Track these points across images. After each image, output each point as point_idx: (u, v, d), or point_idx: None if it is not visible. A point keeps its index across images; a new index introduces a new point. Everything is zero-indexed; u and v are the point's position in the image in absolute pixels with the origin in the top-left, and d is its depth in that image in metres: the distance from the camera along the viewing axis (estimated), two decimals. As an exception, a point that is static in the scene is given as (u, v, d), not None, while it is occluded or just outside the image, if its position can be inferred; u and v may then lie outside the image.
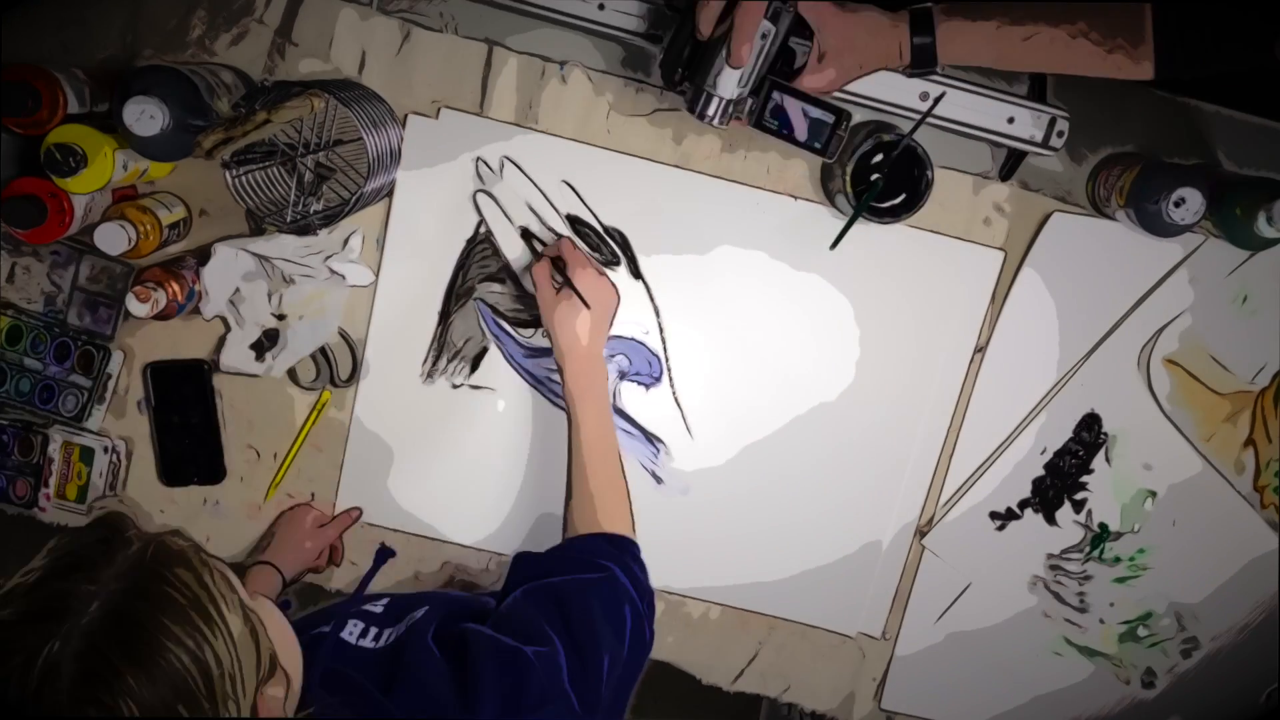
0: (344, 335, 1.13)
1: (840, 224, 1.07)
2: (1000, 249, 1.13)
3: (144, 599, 0.60)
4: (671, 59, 0.99)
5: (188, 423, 1.13)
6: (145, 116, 0.92)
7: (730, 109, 0.98)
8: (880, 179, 1.04)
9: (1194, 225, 1.04)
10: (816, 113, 0.98)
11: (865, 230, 1.12)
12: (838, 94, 1.00)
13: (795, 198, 1.12)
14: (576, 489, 1.00)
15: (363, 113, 0.99)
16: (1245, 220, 1.02)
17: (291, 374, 1.13)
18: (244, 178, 0.99)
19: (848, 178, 1.05)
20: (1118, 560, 1.20)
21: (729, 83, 0.96)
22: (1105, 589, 1.20)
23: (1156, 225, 1.05)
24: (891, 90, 1.05)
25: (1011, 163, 1.11)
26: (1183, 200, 1.02)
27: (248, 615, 0.64)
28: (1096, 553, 1.19)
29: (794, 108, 0.98)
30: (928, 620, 1.20)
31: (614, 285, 1.08)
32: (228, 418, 1.14)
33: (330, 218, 0.99)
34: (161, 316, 1.05)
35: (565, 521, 1.01)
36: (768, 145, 1.11)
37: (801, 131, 0.98)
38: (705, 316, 1.14)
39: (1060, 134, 1.08)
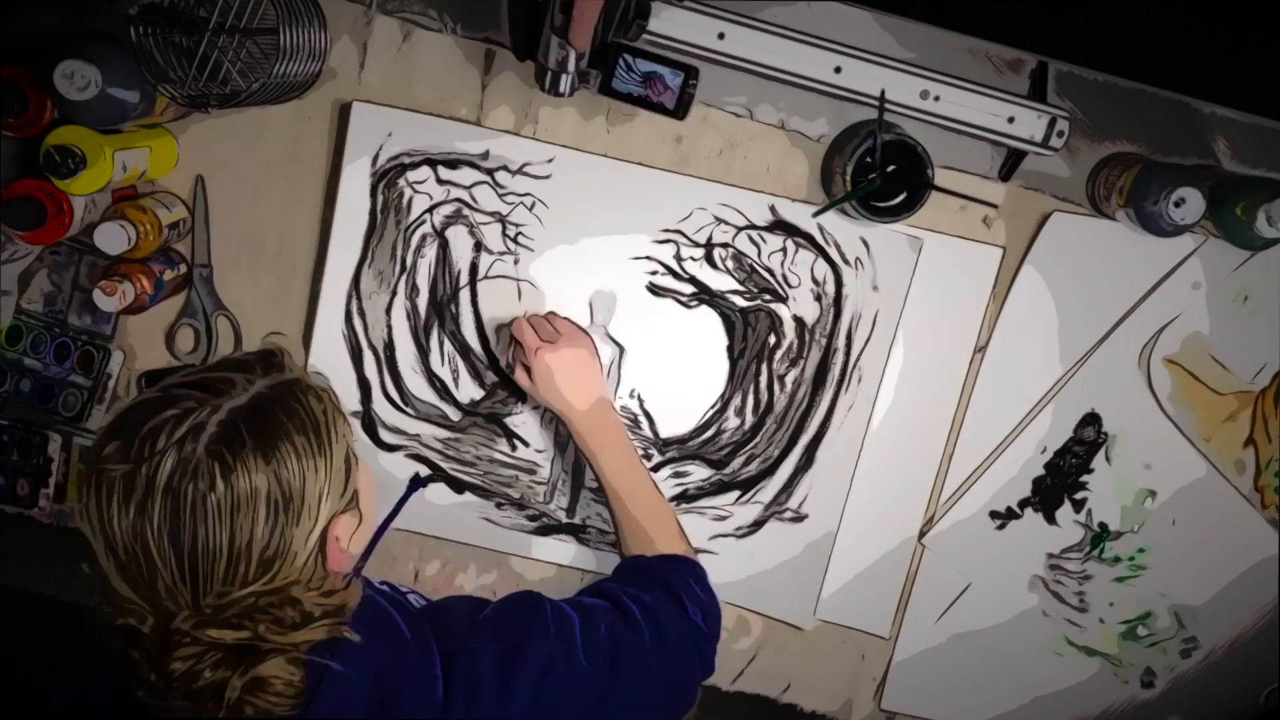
0: (229, 317, 1.12)
1: (842, 219, 1.07)
2: (1000, 248, 1.13)
3: (280, 405, 0.73)
4: (516, 36, 0.99)
5: None
6: (77, 79, 0.92)
7: (576, 81, 0.99)
8: (876, 177, 1.04)
9: (1194, 225, 1.04)
10: (667, 72, 0.98)
11: (866, 230, 1.12)
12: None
13: (793, 199, 1.12)
14: (623, 526, 1.04)
15: (285, 7, 0.96)
16: (1245, 220, 1.02)
17: (169, 339, 1.12)
18: (149, 39, 0.95)
19: (848, 178, 1.05)
20: (1117, 560, 1.20)
21: (570, 57, 0.96)
22: (1105, 589, 1.20)
23: (1156, 225, 1.05)
24: (892, 89, 1.05)
25: (1011, 163, 1.11)
26: (1183, 200, 1.02)
27: (349, 453, 0.77)
28: (1096, 552, 1.19)
29: (642, 71, 0.97)
30: (928, 620, 1.20)
31: (577, 337, 1.07)
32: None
33: (227, 100, 0.96)
34: (132, 310, 1.05)
35: (619, 546, 1.05)
36: (768, 145, 1.11)
37: (655, 93, 0.98)
38: (696, 307, 1.14)
39: (1060, 134, 1.08)
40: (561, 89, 1.00)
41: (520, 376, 1.06)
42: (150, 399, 0.71)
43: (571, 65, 0.97)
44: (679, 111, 1.00)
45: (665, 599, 0.94)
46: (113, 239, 1.00)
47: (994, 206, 1.09)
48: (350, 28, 1.07)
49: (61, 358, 1.10)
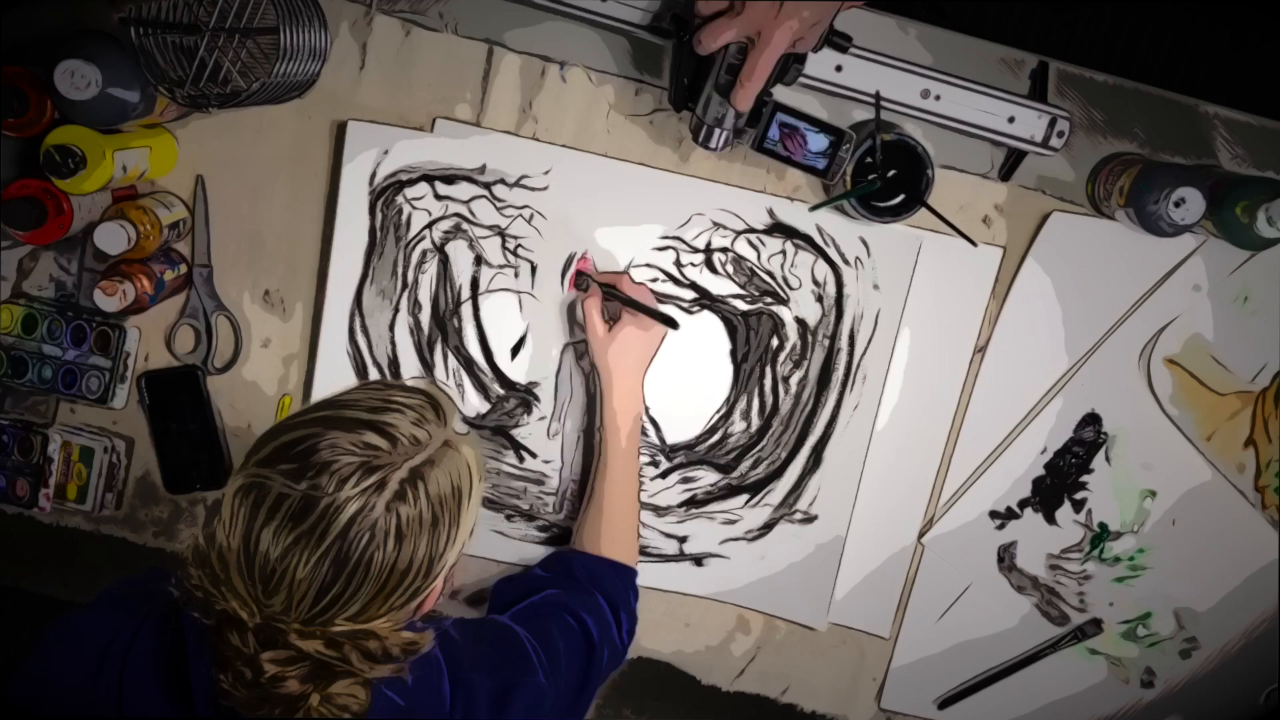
0: (229, 318, 1.12)
1: (841, 219, 1.07)
2: (1000, 248, 1.13)
3: (451, 468, 0.78)
4: (677, 88, 1.01)
5: (186, 429, 1.13)
6: (77, 79, 0.92)
7: (731, 137, 1.01)
8: (876, 178, 1.04)
9: (1194, 225, 1.04)
10: (816, 135, 0.99)
11: (865, 230, 1.12)
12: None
13: (793, 199, 1.12)
14: (594, 508, 1.08)
15: (285, 7, 0.96)
16: (1245, 220, 1.02)
17: (169, 339, 1.12)
18: (150, 39, 0.95)
19: (848, 178, 1.05)
20: (1117, 560, 1.20)
21: (729, 115, 0.98)
22: (1105, 589, 1.20)
23: (1156, 225, 1.05)
24: (892, 89, 1.06)
25: (1011, 163, 1.12)
26: (1183, 200, 1.02)
27: (470, 532, 0.81)
28: (1096, 552, 1.19)
29: (793, 130, 0.98)
30: (928, 621, 1.20)
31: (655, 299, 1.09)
32: (226, 419, 1.14)
33: (227, 100, 0.96)
34: (133, 310, 1.05)
35: (577, 529, 1.10)
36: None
37: (801, 154, 1.00)
38: (697, 312, 1.14)
39: (1060, 134, 1.08)
40: (714, 144, 1.02)
41: (594, 317, 1.06)
42: (330, 429, 0.74)
43: (729, 123, 0.99)
44: (828, 174, 1.01)
45: (610, 624, 1.03)
46: (113, 239, 1.00)
47: (973, 243, 1.09)
48: (350, 28, 1.07)
49: (78, 341, 1.10)
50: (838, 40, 0.99)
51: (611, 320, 1.08)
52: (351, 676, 0.75)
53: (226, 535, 0.73)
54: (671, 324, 1.05)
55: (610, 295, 1.07)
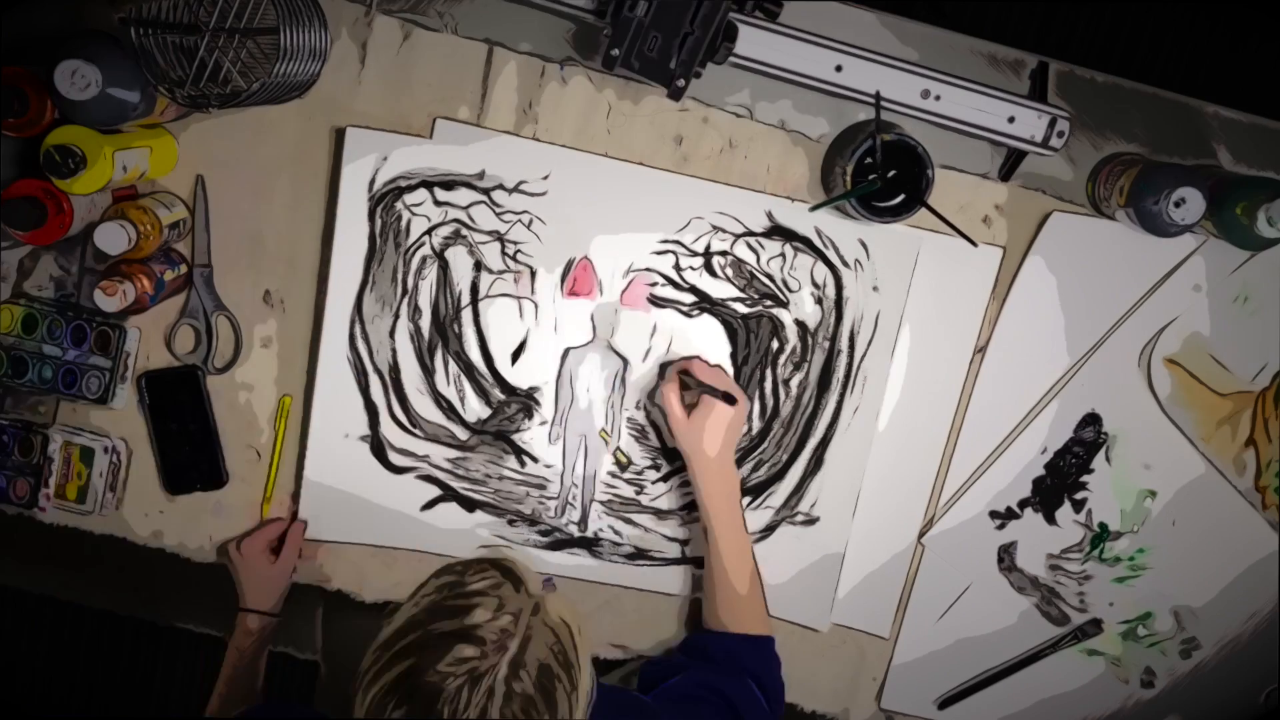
0: (229, 318, 1.12)
1: (840, 221, 1.07)
2: (1000, 248, 1.13)
3: (547, 647, 0.78)
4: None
5: (186, 430, 1.13)
6: (77, 79, 0.92)
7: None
8: (877, 178, 1.04)
9: (1194, 225, 1.04)
10: None
11: (864, 232, 1.12)
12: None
13: (793, 199, 1.12)
14: (715, 587, 1.09)
15: (285, 7, 0.96)
16: (1245, 220, 1.02)
17: (169, 339, 1.12)
18: (150, 39, 0.94)
19: (848, 178, 1.05)
20: (1117, 560, 1.20)
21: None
22: (1105, 589, 1.20)
23: (1156, 225, 1.05)
24: (892, 89, 1.06)
25: (1011, 163, 1.12)
26: (1183, 200, 1.02)
27: (590, 681, 0.82)
28: (1096, 552, 1.19)
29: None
30: (928, 620, 1.20)
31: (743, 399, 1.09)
32: (227, 419, 1.14)
33: (227, 100, 0.96)
34: (133, 310, 1.05)
35: (708, 611, 1.12)
36: (768, 145, 1.11)
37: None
38: (697, 316, 1.14)
39: (1060, 134, 1.08)
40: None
41: (673, 404, 1.07)
42: (426, 655, 0.75)
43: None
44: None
45: (758, 699, 1.04)
46: (113, 239, 1.00)
47: (973, 243, 1.09)
48: (350, 28, 1.07)
49: (79, 341, 1.10)
50: (768, 5, 0.99)
51: (690, 405, 1.08)
52: None
53: None
54: (730, 400, 1.06)
55: (687, 382, 1.08)
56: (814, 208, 1.11)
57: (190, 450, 1.13)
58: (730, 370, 1.14)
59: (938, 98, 1.06)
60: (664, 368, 1.13)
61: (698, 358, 1.11)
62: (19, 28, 1.04)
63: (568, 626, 0.80)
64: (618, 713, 0.93)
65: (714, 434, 1.07)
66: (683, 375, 1.09)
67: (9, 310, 1.10)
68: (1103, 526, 1.19)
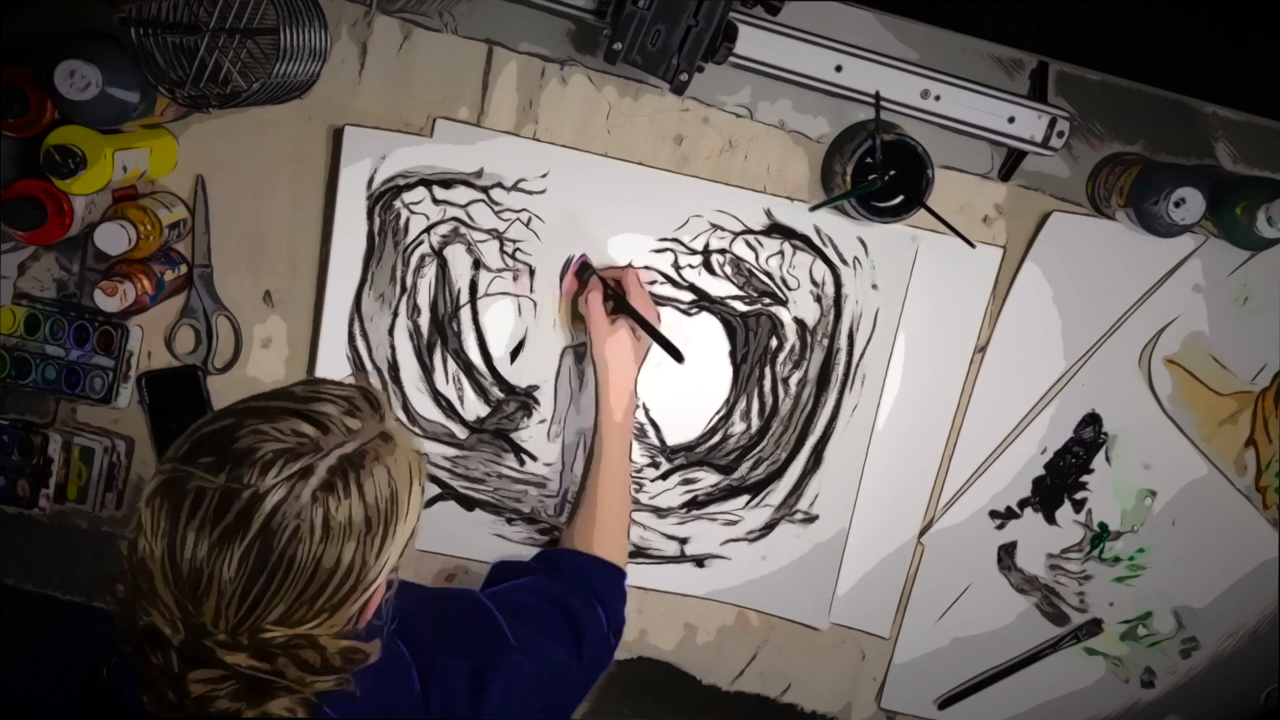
0: (229, 318, 1.12)
1: (839, 219, 1.07)
2: (1000, 248, 1.13)
3: (381, 461, 0.72)
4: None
5: (186, 429, 1.12)
6: (77, 79, 0.92)
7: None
8: (877, 178, 1.04)
9: (1194, 225, 1.04)
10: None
11: (863, 230, 1.12)
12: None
13: (792, 199, 1.12)
14: (586, 508, 1.06)
15: (285, 7, 0.96)
16: (1245, 220, 1.02)
17: (169, 339, 1.12)
18: (150, 39, 0.94)
19: (848, 178, 1.05)
20: (1117, 560, 1.20)
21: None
22: (1105, 589, 1.20)
23: (1156, 225, 1.05)
24: (892, 89, 1.06)
25: (1011, 163, 1.12)
26: (1183, 200, 1.02)
27: (419, 517, 0.77)
28: (1096, 552, 1.19)
29: None
30: (928, 620, 1.20)
31: (658, 313, 1.09)
32: (228, 419, 1.14)
33: (228, 100, 0.96)
34: (133, 310, 1.05)
35: (568, 527, 1.08)
36: (768, 145, 1.11)
37: None
38: (696, 314, 1.14)
39: (1060, 134, 1.08)
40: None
41: (597, 309, 1.05)
42: (251, 418, 0.70)
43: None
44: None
45: (600, 620, 1.00)
46: (113, 239, 1.00)
47: (971, 244, 1.09)
48: (350, 28, 1.07)
49: (81, 341, 1.10)
50: (770, 0, 0.99)
51: (614, 314, 1.07)
52: (290, 693, 0.70)
53: (149, 541, 0.67)
54: (676, 354, 1.03)
55: (612, 297, 1.06)
56: (814, 208, 1.11)
57: (190, 450, 1.13)
58: (730, 369, 1.14)
59: (938, 98, 1.07)
60: (587, 269, 1.10)
61: (632, 269, 1.10)
62: (19, 28, 1.04)
63: (411, 471, 0.75)
64: (450, 619, 0.90)
65: (630, 351, 1.05)
66: (610, 292, 1.06)
67: (11, 311, 1.10)
68: (1103, 526, 1.19)
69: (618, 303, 1.06)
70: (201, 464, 0.67)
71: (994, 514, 1.19)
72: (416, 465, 0.76)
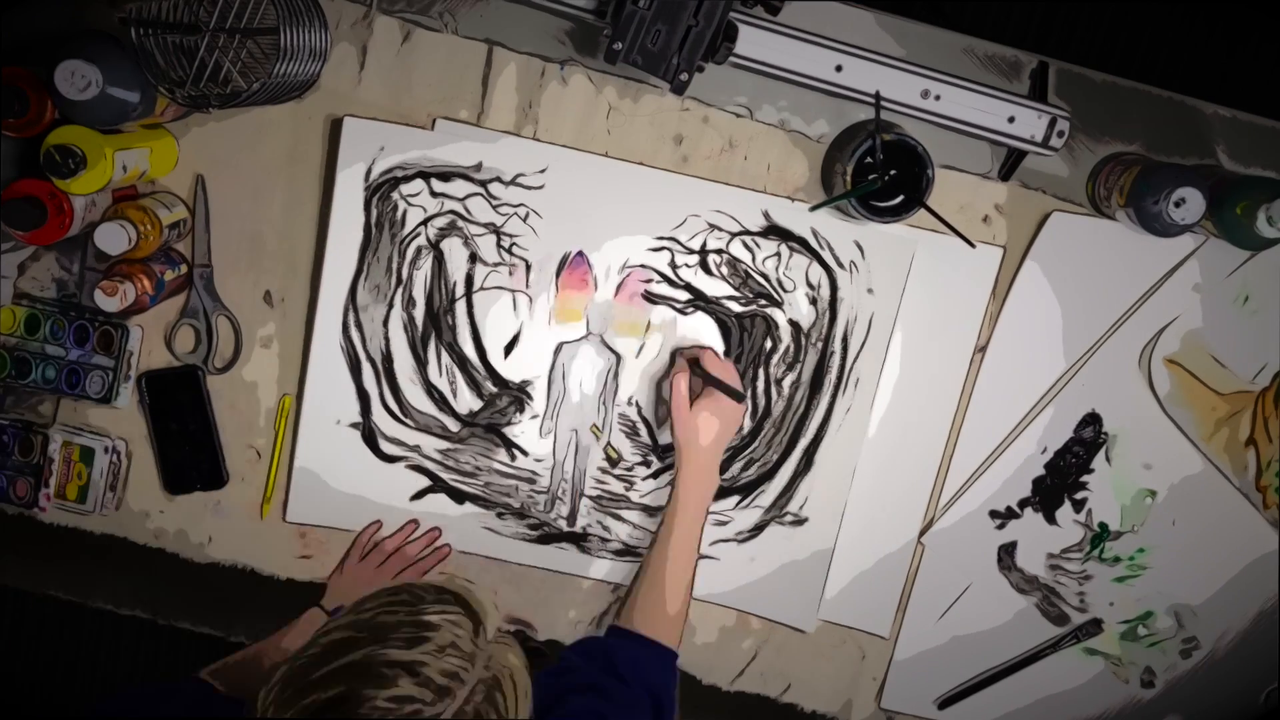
0: (229, 318, 1.12)
1: (838, 222, 1.07)
2: (1000, 248, 1.13)
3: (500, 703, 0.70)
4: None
5: (186, 430, 1.13)
6: (78, 79, 0.92)
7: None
8: (877, 178, 1.04)
9: (1194, 225, 1.04)
10: None
11: (860, 234, 1.12)
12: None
13: (793, 199, 1.12)
14: (650, 579, 1.06)
15: (285, 7, 0.96)
16: (1245, 220, 1.02)
17: (169, 339, 1.12)
18: (150, 39, 0.94)
19: (848, 178, 1.05)
20: (1117, 560, 1.20)
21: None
22: (1105, 589, 1.20)
23: (1156, 225, 1.05)
24: (892, 89, 1.06)
25: (1011, 162, 1.12)
26: (1183, 200, 1.02)
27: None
28: (1096, 552, 1.19)
29: None
30: (928, 620, 1.20)
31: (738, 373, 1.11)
32: (227, 419, 1.14)
33: (228, 100, 0.96)
34: (133, 310, 1.06)
35: (628, 600, 1.08)
36: (768, 145, 1.11)
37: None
38: (691, 313, 1.14)
39: (1060, 134, 1.08)
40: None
41: (681, 392, 1.07)
42: (364, 681, 0.66)
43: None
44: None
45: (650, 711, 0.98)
46: (113, 239, 1.00)
47: (971, 244, 1.09)
48: (350, 28, 1.07)
49: (81, 341, 1.10)
50: (770, 0, 0.99)
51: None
52: None
53: None
54: (738, 397, 1.06)
55: (696, 371, 1.08)
56: (814, 208, 1.11)
57: (190, 450, 1.13)
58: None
59: (938, 98, 1.07)
60: (674, 354, 1.13)
61: (710, 349, 1.12)
62: (19, 28, 1.04)
63: (514, 681, 0.72)
64: None
65: (712, 428, 1.06)
66: (692, 364, 1.08)
67: (11, 311, 1.10)
68: (1103, 526, 1.19)
69: (705, 378, 1.07)
70: None
71: (994, 514, 1.19)
72: (523, 684, 0.73)
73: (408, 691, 0.65)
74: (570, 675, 0.98)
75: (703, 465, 1.08)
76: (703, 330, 1.13)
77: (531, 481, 1.15)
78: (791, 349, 1.14)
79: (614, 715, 0.95)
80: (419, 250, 1.10)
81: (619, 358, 1.13)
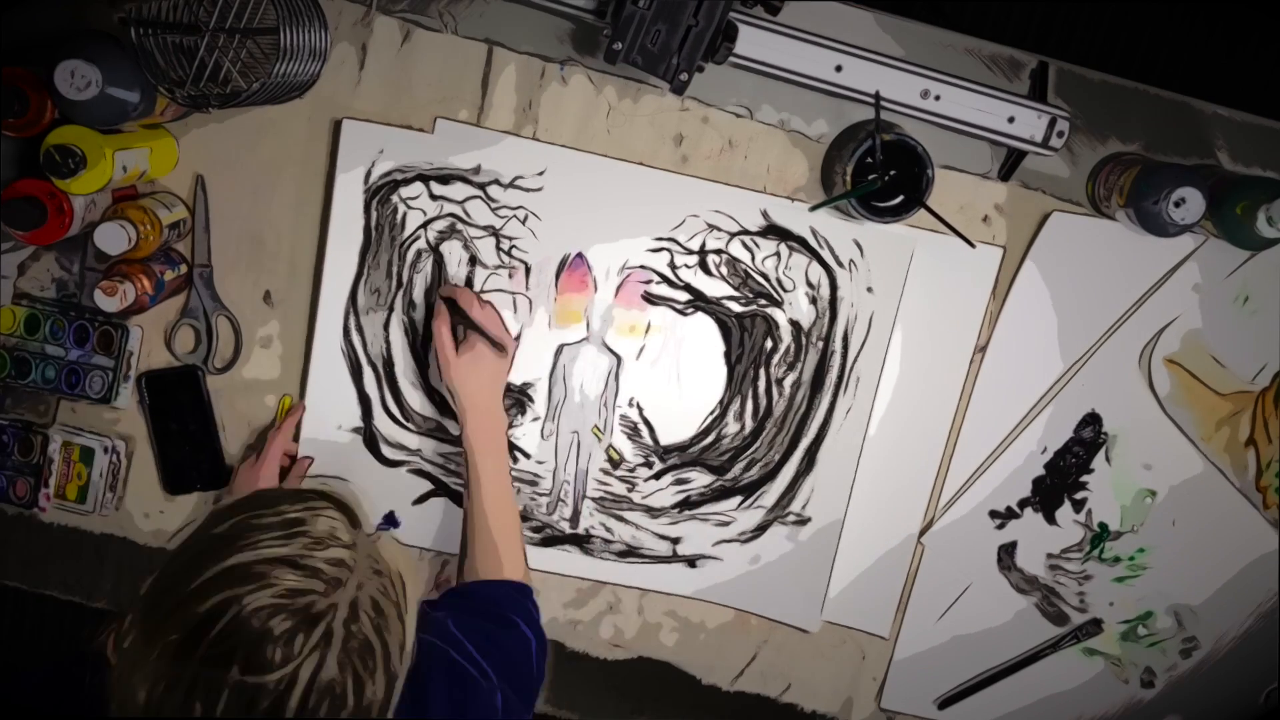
0: (229, 318, 1.12)
1: (837, 221, 1.07)
2: (1000, 248, 1.13)
3: (383, 595, 0.67)
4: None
5: (186, 429, 1.13)
6: (77, 79, 0.92)
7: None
8: (877, 178, 1.04)
9: (1194, 225, 1.04)
10: None
11: (859, 233, 1.12)
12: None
13: (793, 199, 1.12)
14: (479, 538, 1.03)
15: (285, 7, 0.96)
16: (1245, 220, 1.02)
17: (169, 339, 1.12)
18: (150, 39, 0.94)
19: (848, 178, 1.05)
20: (1117, 560, 1.20)
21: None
22: (1105, 589, 1.20)
23: (1156, 225, 1.05)
24: (892, 89, 1.06)
25: (1011, 163, 1.12)
26: (1183, 200, 1.02)
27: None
28: (1096, 552, 1.19)
29: None
30: (928, 620, 1.20)
31: (509, 344, 1.08)
32: (227, 419, 1.14)
33: (228, 100, 0.96)
34: (133, 310, 1.06)
35: (465, 561, 1.04)
36: (768, 145, 1.11)
37: None
38: (691, 314, 1.14)
39: (1060, 134, 1.08)
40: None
41: (444, 337, 1.04)
42: (243, 583, 0.62)
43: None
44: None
45: (529, 640, 0.96)
46: (113, 239, 1.00)
47: (971, 244, 1.08)
48: (350, 28, 1.07)
49: (81, 341, 1.10)
50: (770, 0, 0.99)
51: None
52: None
53: None
54: (499, 347, 1.04)
55: (455, 313, 1.05)
56: (814, 208, 1.11)
57: (190, 450, 1.13)
58: (725, 370, 1.14)
59: (938, 98, 1.07)
60: (436, 296, 1.10)
61: (466, 290, 1.09)
62: (19, 28, 1.04)
63: (399, 573, 0.70)
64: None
65: (480, 374, 1.04)
66: (450, 305, 1.06)
67: (11, 311, 1.10)
68: (1103, 526, 1.19)
69: (455, 312, 1.05)
70: (208, 658, 0.60)
71: (994, 514, 1.19)
72: (406, 566, 0.71)
73: (296, 585, 0.62)
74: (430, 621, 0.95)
75: (482, 408, 1.04)
76: (703, 330, 1.13)
77: (534, 484, 1.15)
78: (792, 349, 1.14)
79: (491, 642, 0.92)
80: (419, 253, 1.10)
81: (619, 359, 1.13)
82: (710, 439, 1.16)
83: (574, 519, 1.16)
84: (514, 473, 1.14)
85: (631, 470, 1.15)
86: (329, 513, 0.68)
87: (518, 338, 1.12)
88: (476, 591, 1.02)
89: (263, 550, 0.64)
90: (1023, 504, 1.18)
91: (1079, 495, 1.18)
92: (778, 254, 1.12)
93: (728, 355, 1.14)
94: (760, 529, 1.17)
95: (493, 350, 1.05)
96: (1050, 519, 1.19)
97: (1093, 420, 1.17)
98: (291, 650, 0.60)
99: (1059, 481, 1.18)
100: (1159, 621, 1.22)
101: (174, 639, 0.61)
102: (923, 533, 1.19)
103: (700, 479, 1.16)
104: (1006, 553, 1.19)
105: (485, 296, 1.10)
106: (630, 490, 1.16)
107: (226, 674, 0.59)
